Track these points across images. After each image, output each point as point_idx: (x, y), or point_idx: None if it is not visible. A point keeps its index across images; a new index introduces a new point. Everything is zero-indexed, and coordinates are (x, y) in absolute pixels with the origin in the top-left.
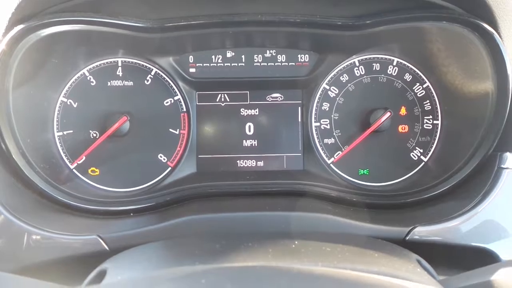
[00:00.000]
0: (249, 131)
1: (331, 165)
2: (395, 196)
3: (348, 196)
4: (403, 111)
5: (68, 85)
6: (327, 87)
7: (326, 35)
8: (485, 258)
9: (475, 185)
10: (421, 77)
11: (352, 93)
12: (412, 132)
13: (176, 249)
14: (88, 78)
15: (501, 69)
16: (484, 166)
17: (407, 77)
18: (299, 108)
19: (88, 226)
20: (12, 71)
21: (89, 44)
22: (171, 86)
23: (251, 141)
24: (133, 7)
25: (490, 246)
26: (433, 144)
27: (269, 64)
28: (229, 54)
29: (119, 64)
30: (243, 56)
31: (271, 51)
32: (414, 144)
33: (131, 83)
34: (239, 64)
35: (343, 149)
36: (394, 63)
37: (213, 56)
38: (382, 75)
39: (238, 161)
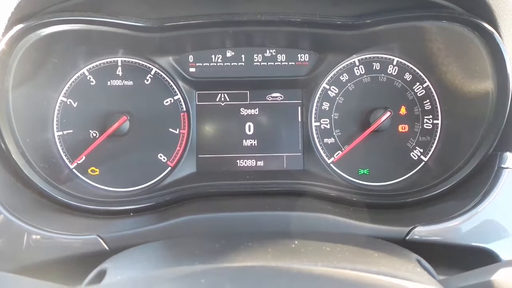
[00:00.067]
0: (249, 130)
1: (331, 164)
2: (395, 196)
3: (348, 196)
4: (403, 110)
5: (68, 84)
6: (327, 87)
7: (326, 35)
8: (485, 258)
9: (475, 184)
10: (421, 76)
11: (352, 92)
12: (412, 132)
13: (176, 249)
14: (88, 78)
15: (501, 68)
16: (484, 165)
17: (407, 76)
18: (299, 107)
19: (88, 226)
20: (11, 71)
21: (89, 44)
22: (171, 86)
23: (251, 141)
24: (133, 7)
25: (490, 246)
26: (433, 143)
27: (269, 63)
28: (229, 53)
29: (119, 63)
30: (243, 56)
31: (271, 51)
32: (414, 144)
33: (131, 82)
34: (239, 63)
35: (343, 149)
36: (394, 63)
37: (213, 56)
38: (382, 75)
39: (238, 161)
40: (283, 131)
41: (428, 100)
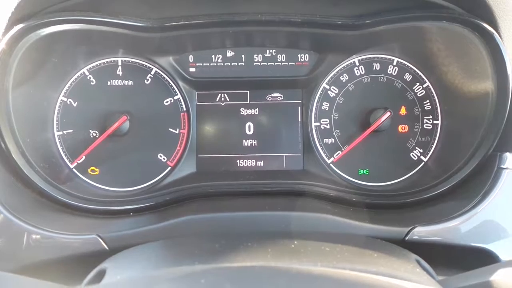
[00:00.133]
0: (249, 130)
1: (331, 165)
2: (394, 196)
3: (347, 196)
4: (403, 111)
5: (68, 84)
6: (327, 87)
7: (326, 35)
8: (484, 258)
9: (475, 185)
10: (421, 77)
11: (352, 92)
12: (412, 132)
13: (176, 249)
14: (88, 78)
15: (501, 69)
16: (484, 166)
17: (407, 77)
18: (299, 107)
19: (87, 226)
20: (12, 71)
21: (89, 44)
22: (171, 86)
23: (251, 141)
24: (133, 7)
25: (490, 247)
26: (433, 144)
27: (269, 63)
28: (229, 53)
29: (119, 63)
30: (243, 56)
31: (271, 51)
32: (414, 144)
33: (131, 82)
34: (239, 63)
35: (343, 149)
36: (394, 63)
37: (213, 56)
38: (382, 75)
39: (238, 161)
40: (283, 131)
41: (428, 101)
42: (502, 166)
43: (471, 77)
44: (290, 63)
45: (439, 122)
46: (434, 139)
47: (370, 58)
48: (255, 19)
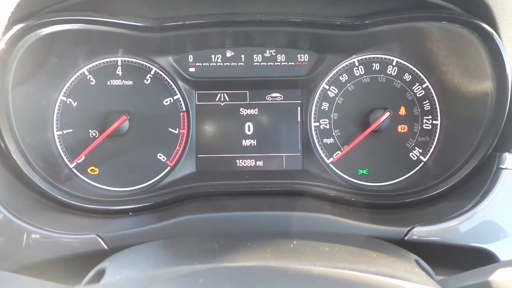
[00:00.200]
0: (249, 130)
1: (330, 165)
2: (394, 196)
3: (347, 196)
4: (402, 111)
5: (68, 84)
6: (327, 87)
7: (325, 35)
8: (483, 258)
9: (474, 185)
10: (421, 77)
11: (351, 93)
12: (412, 132)
13: (175, 249)
14: (88, 77)
15: (500, 69)
16: (483, 166)
17: (407, 77)
18: (299, 108)
19: (87, 225)
20: (11, 70)
21: (88, 43)
22: (171, 86)
23: (250, 141)
24: (133, 7)
25: (489, 247)
26: (432, 144)
27: (268, 63)
28: (228, 53)
29: (119, 63)
30: (242, 56)
31: (270, 51)
32: (413, 144)
33: (130, 82)
34: (239, 63)
35: (342, 149)
36: (394, 63)
37: (212, 56)
38: (382, 75)
39: (237, 161)
40: (282, 131)
41: (427, 101)
42: (501, 166)
43: (470, 77)
44: (289, 63)
45: (438, 122)
46: (434, 139)
47: (369, 58)
48: (255, 19)
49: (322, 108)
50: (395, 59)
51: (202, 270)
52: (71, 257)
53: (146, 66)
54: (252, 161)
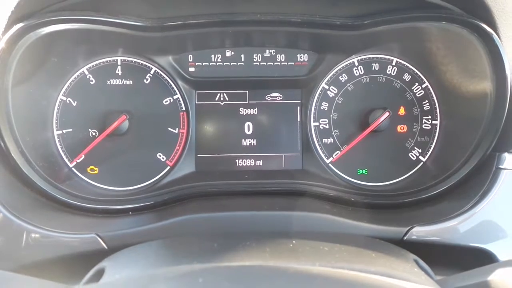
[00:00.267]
0: (248, 130)
1: (329, 164)
2: (393, 196)
3: (346, 196)
4: (402, 111)
5: (68, 83)
6: (326, 87)
7: (325, 35)
8: (482, 258)
9: (473, 185)
10: (420, 77)
11: (351, 93)
12: (411, 132)
13: (174, 248)
14: (88, 77)
15: (499, 69)
16: (482, 166)
17: (406, 77)
18: (298, 107)
19: (86, 225)
20: (11, 70)
21: (88, 43)
22: (171, 85)
23: (250, 141)
24: (132, 6)
25: (488, 247)
26: (431, 144)
27: (268, 63)
28: (228, 53)
29: (119, 63)
30: (242, 56)
31: (270, 51)
32: (412, 144)
33: (130, 82)
34: (239, 63)
35: (341, 149)
36: (393, 63)
37: (212, 55)
38: (381, 75)
39: (237, 161)
40: (282, 131)
41: (427, 101)
42: (500, 166)
43: (470, 77)
44: (289, 63)
45: (438, 122)
46: (433, 139)
47: (369, 58)
48: (255, 19)
49: (322, 108)
50: (395, 59)
51: (202, 270)
52: (71, 256)
53: (146, 65)
54: (252, 161)
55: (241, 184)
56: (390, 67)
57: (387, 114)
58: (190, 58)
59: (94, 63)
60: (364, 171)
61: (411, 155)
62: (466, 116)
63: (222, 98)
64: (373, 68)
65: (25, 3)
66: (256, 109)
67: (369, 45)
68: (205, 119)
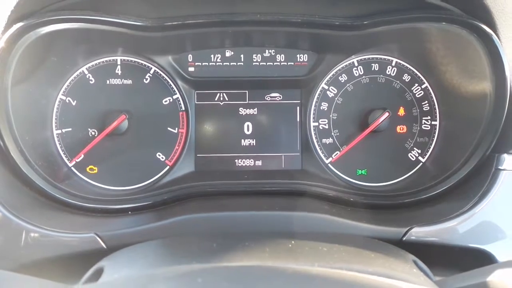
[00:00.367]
0: (248, 130)
1: (329, 165)
2: (392, 197)
3: (345, 196)
4: (401, 111)
5: (67, 83)
6: (326, 87)
7: (325, 35)
8: (482, 259)
9: (473, 186)
10: (420, 77)
11: (350, 93)
12: (410, 133)
13: (173, 248)
14: (87, 76)
15: (499, 70)
16: (482, 167)
17: (406, 77)
18: (298, 107)
19: (85, 224)
20: (11, 69)
21: (88, 42)
22: (170, 85)
23: (249, 141)
24: (132, 6)
25: (487, 247)
26: (431, 144)
27: (268, 63)
28: (228, 53)
29: (118, 62)
30: (242, 56)
31: (270, 51)
32: (412, 145)
33: (130, 81)
34: (238, 63)
35: (341, 149)
36: (393, 64)
37: (212, 55)
38: (381, 76)
39: (236, 161)
40: (281, 131)
41: (426, 101)
42: (499, 167)
43: (469, 78)
44: (289, 63)
45: (437, 123)
46: (432, 140)
47: (369, 58)
48: (254, 19)
49: (321, 108)
50: (395, 60)
51: (201, 270)
52: (70, 256)
53: (145, 65)
54: (251, 161)
55: (240, 184)
56: (389, 68)
57: (386, 114)
58: (190, 58)
59: (93, 63)
60: (363, 172)
61: (411, 155)
62: (466, 117)
63: (221, 98)
64: (372, 69)
65: (25, 3)
66: (255, 109)
67: (369, 45)
68: (205, 119)
